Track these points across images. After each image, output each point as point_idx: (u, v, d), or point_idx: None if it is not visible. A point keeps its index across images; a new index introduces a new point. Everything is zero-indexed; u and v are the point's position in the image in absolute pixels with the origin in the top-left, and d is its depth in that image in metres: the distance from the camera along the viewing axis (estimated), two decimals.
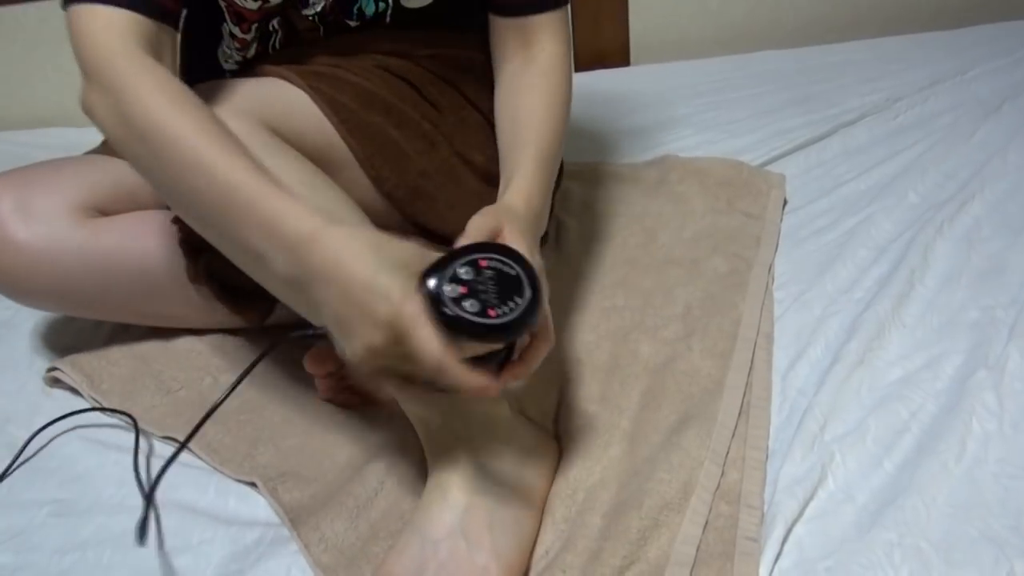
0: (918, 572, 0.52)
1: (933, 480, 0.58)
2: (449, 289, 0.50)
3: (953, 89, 1.19)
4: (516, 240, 0.55)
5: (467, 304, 0.50)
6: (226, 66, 0.78)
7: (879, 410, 0.65)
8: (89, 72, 0.58)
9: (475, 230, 0.55)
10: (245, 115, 0.62)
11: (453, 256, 0.53)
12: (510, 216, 0.58)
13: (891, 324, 0.73)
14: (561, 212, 0.98)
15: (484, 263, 0.52)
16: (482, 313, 0.50)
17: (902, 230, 0.88)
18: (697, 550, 0.55)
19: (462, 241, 0.55)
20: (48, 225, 0.74)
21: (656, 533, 0.56)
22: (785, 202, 0.97)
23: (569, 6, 0.76)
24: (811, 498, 0.58)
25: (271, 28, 0.75)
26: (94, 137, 0.87)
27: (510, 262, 0.53)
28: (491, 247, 0.54)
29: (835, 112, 1.17)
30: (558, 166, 0.70)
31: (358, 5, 0.74)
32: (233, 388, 0.59)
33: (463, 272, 0.51)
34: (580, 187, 1.04)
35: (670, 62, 1.44)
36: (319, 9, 0.73)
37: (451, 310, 0.50)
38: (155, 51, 0.59)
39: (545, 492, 0.61)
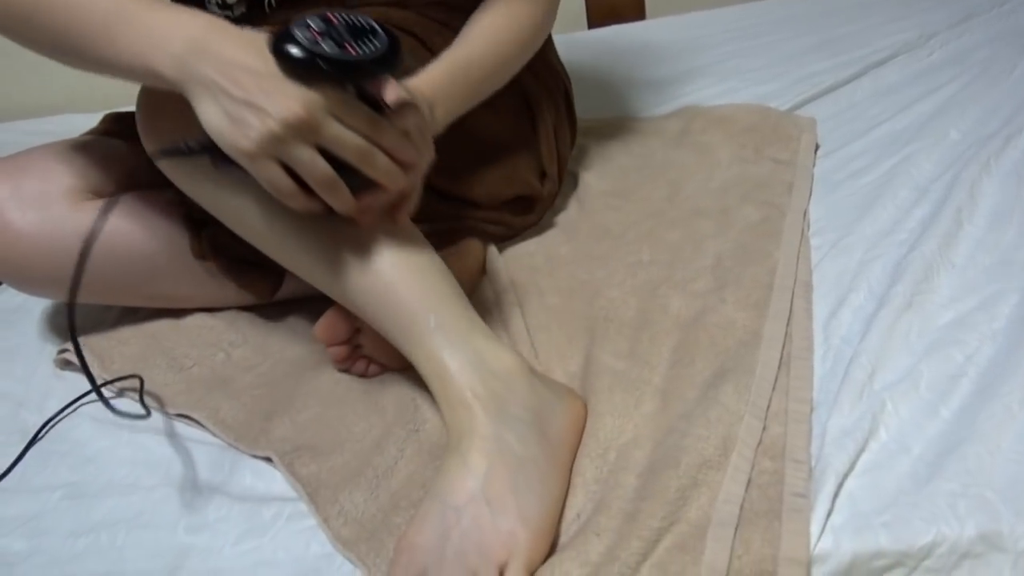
0: (985, 524, 0.48)
1: (996, 425, 0.54)
2: (302, 34, 0.50)
3: (990, 22, 1.13)
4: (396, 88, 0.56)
5: (324, 45, 0.50)
6: (209, 7, 0.74)
7: (931, 355, 0.60)
8: None
9: None
10: None
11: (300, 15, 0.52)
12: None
13: (939, 265, 0.69)
14: (579, 168, 0.94)
15: (333, 17, 0.52)
16: (340, 51, 0.50)
17: (944, 169, 0.83)
18: (741, 509, 0.51)
19: None
20: (45, 211, 0.71)
21: (696, 492, 0.52)
22: (817, 147, 0.92)
23: None
24: (862, 450, 0.54)
25: None
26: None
27: (361, 18, 0.53)
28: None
29: (864, 53, 1.11)
30: (483, 88, 0.70)
31: None
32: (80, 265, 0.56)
33: (313, 23, 0.51)
34: (598, 143, 0.99)
35: (687, 12, 1.39)
36: None
37: (306, 46, 0.50)
38: None
39: (572, 451, 0.57)
